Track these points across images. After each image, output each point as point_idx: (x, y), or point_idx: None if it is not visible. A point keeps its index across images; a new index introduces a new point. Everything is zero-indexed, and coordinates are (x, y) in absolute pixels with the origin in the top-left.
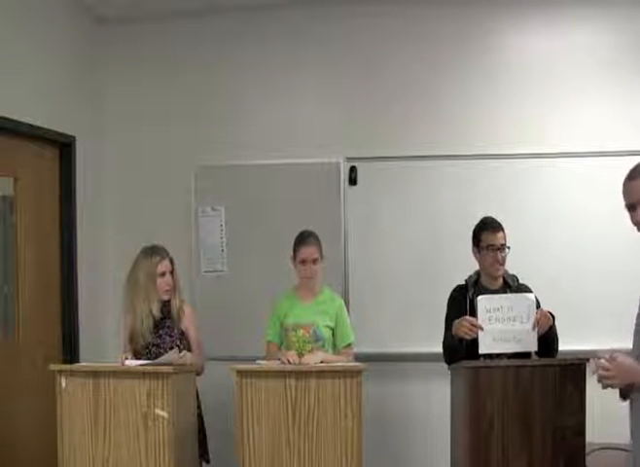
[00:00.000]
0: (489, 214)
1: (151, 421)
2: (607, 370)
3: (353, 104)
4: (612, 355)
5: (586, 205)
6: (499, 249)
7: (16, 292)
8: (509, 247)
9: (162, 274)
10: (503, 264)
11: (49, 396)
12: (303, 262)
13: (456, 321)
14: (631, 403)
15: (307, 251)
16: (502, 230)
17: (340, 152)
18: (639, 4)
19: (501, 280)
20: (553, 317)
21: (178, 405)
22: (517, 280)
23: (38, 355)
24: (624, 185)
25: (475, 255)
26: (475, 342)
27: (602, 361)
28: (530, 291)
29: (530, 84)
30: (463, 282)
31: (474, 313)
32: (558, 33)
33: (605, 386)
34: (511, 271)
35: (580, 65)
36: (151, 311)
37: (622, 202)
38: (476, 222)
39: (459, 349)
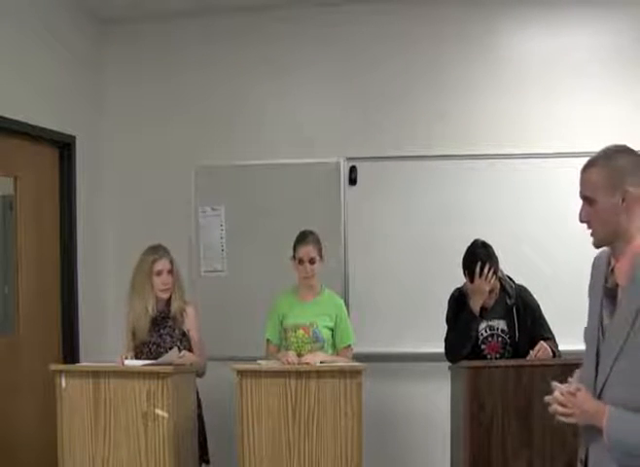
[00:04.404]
0: (488, 214)
1: (151, 421)
2: (564, 406)
3: (353, 104)
4: (571, 390)
5: None
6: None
7: (16, 292)
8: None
9: (159, 273)
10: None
11: (49, 396)
12: (301, 261)
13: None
14: (587, 437)
15: (304, 250)
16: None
17: (340, 152)
18: (637, 3)
19: (498, 286)
20: (553, 351)
21: (178, 405)
22: (514, 283)
23: (38, 355)
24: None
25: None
26: (475, 343)
27: (558, 394)
28: (528, 292)
29: (531, 84)
30: (461, 285)
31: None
32: (559, 33)
33: (561, 421)
34: (510, 272)
35: (580, 65)
36: (147, 310)
37: None
38: (475, 221)
39: (467, 337)
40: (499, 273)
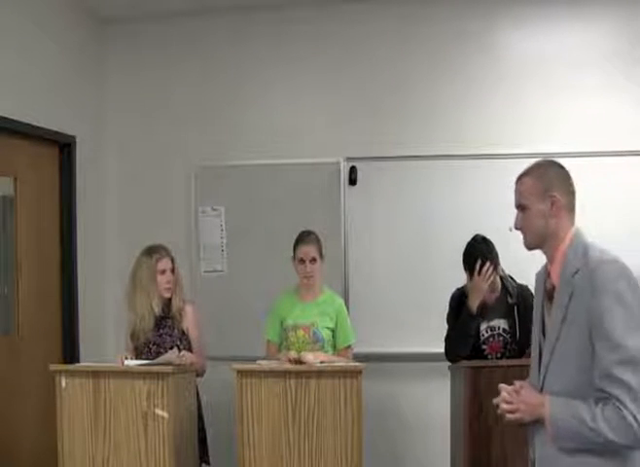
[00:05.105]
0: (490, 214)
1: (151, 421)
2: (510, 403)
3: (353, 104)
4: (515, 388)
5: (584, 205)
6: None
7: (16, 292)
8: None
9: (162, 272)
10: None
11: (49, 396)
12: (301, 261)
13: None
14: (533, 434)
15: (305, 250)
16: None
17: (340, 152)
18: (636, 3)
19: (499, 284)
20: None
21: (178, 405)
22: (515, 282)
23: (38, 355)
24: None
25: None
26: (476, 343)
27: (504, 394)
28: (530, 290)
29: (530, 84)
30: (462, 285)
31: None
32: (557, 31)
33: (509, 421)
34: (510, 272)
35: (577, 65)
36: (152, 308)
37: (619, 201)
38: (476, 221)
39: (466, 336)
40: (500, 272)
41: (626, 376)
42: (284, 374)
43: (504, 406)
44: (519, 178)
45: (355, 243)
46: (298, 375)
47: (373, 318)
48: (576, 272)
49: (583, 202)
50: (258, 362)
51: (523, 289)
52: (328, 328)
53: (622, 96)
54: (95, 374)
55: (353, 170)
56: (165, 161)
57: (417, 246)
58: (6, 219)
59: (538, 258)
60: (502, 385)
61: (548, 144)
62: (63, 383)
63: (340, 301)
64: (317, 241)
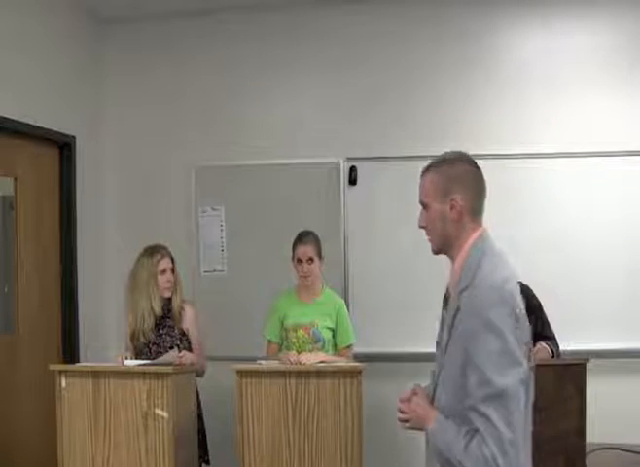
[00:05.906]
0: (489, 213)
1: (151, 421)
2: (402, 411)
3: (353, 104)
4: (408, 395)
5: (585, 205)
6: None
7: (16, 292)
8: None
9: (163, 272)
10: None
11: (49, 396)
12: (299, 261)
13: None
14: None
15: (302, 250)
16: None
17: (340, 152)
18: (636, 3)
19: None
20: (552, 350)
21: (178, 405)
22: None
23: (38, 355)
24: None
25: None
26: None
27: (399, 403)
28: (531, 290)
29: (530, 84)
30: None
31: None
32: (559, 33)
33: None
34: None
35: (579, 65)
36: (152, 309)
37: (619, 201)
38: None
39: None
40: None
41: (490, 411)
42: (284, 374)
43: (398, 415)
44: (423, 171)
45: (355, 243)
46: (298, 375)
47: (373, 318)
48: (464, 289)
49: (583, 202)
50: (258, 362)
51: (524, 289)
52: (328, 328)
53: (622, 96)
54: (95, 374)
55: (353, 170)
56: (165, 162)
57: (417, 246)
58: (6, 219)
59: (539, 258)
60: (401, 394)
61: (547, 144)
62: (63, 383)
63: (341, 300)
64: (315, 241)
